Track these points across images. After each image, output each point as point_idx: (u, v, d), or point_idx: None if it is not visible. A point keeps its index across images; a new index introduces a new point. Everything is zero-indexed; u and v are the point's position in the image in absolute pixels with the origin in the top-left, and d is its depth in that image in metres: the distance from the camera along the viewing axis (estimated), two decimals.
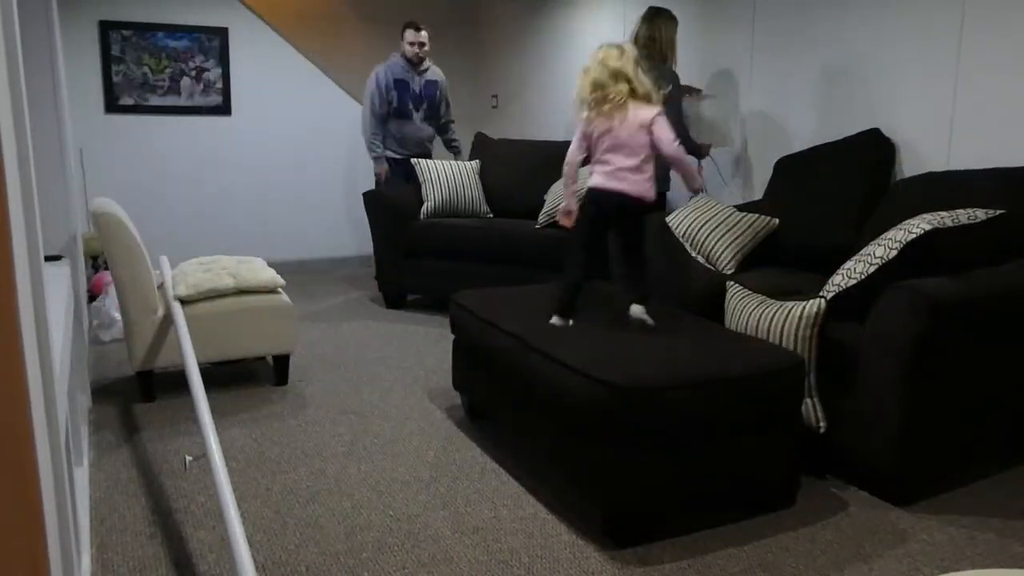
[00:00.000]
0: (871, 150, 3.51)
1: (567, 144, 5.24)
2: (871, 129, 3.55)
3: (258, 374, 3.82)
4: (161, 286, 3.51)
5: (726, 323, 2.98)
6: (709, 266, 3.45)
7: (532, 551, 2.27)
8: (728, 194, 4.46)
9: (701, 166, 4.19)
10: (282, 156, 6.32)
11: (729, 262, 3.51)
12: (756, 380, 2.33)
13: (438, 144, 5.72)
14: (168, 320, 3.37)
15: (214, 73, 6.14)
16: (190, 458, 2.51)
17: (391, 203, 5.02)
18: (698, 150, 4.14)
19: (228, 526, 1.98)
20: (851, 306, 2.64)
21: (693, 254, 3.47)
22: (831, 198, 3.49)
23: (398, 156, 5.40)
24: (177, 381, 3.68)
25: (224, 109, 6.21)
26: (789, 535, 2.34)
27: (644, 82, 2.79)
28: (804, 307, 2.64)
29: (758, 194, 4.14)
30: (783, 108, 4.07)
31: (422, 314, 5.00)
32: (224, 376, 3.77)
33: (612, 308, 2.98)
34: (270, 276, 3.61)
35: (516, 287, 3.44)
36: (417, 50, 5.27)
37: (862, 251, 2.71)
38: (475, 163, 5.45)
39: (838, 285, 2.68)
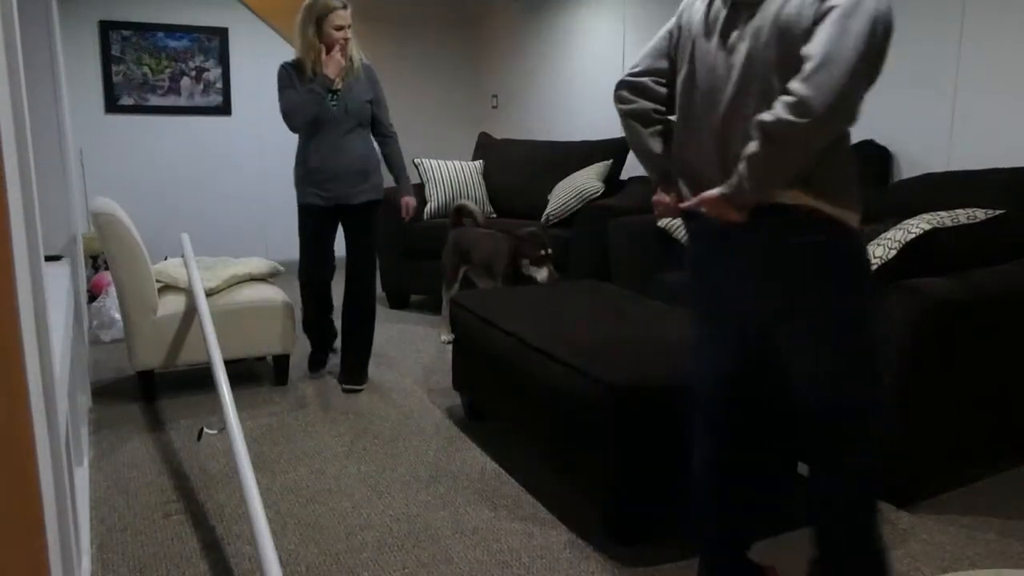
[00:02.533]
0: (865, 161, 3.51)
1: (570, 144, 5.26)
2: (865, 140, 3.54)
3: (258, 374, 3.83)
4: (164, 286, 3.51)
5: None
6: None
7: (532, 551, 2.27)
8: None
9: None
10: (282, 156, 6.32)
11: None
12: None
13: None
14: (170, 319, 3.37)
15: (214, 73, 6.14)
16: (212, 431, 2.54)
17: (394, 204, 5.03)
18: None
19: (245, 489, 2.13)
20: None
21: None
22: None
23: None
24: (177, 381, 3.68)
25: (224, 109, 6.22)
26: (789, 535, 2.34)
27: None
28: None
29: None
30: None
31: (424, 314, 5.00)
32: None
33: (611, 307, 2.98)
34: (270, 264, 3.81)
35: (518, 287, 3.44)
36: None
37: None
38: (478, 163, 5.45)
39: None
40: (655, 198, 1.90)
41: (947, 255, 2.62)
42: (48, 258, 2.88)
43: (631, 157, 4.84)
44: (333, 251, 3.59)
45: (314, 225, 3.51)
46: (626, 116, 1.84)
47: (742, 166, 1.56)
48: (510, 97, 6.45)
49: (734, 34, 1.63)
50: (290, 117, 3.35)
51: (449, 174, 5.20)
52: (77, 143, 5.64)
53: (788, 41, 1.52)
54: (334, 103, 3.36)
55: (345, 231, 3.57)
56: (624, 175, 4.87)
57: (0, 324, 1.10)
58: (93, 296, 4.62)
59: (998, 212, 2.68)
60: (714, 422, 1.90)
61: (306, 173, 3.46)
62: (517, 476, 2.74)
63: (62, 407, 1.68)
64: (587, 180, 4.66)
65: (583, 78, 5.55)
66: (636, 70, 1.84)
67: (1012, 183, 2.89)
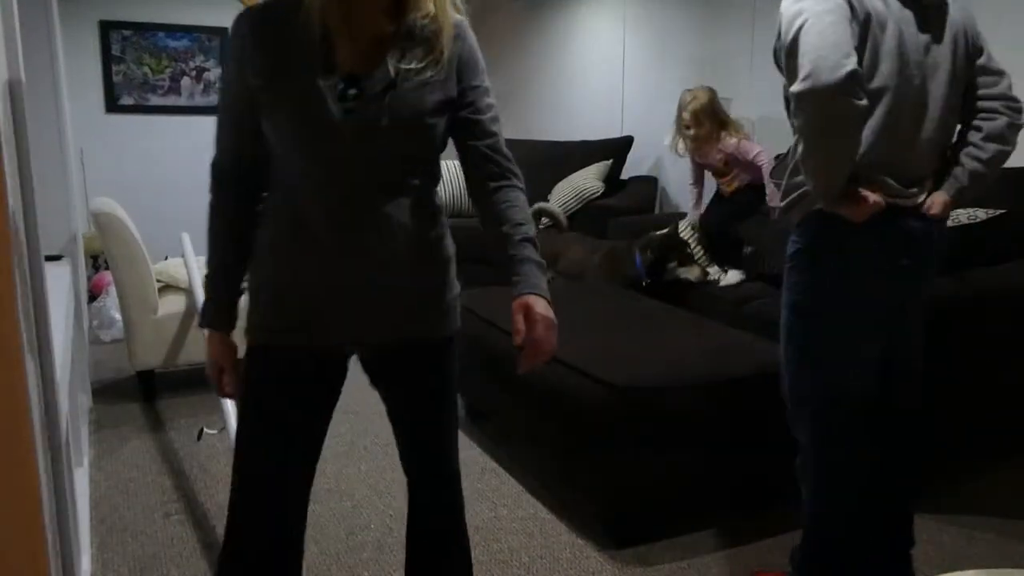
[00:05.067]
0: None
1: (570, 144, 5.26)
2: None
3: None
4: (164, 286, 3.50)
5: None
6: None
7: (532, 551, 2.27)
8: None
9: None
10: None
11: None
12: (756, 380, 2.33)
13: None
14: (170, 319, 3.37)
15: (214, 73, 6.14)
16: (212, 431, 2.54)
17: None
18: None
19: None
20: None
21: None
22: None
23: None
24: (177, 381, 3.68)
25: None
26: (789, 535, 2.34)
27: None
28: None
29: None
30: (783, 108, 4.07)
31: None
32: None
33: (612, 307, 2.98)
34: None
35: None
36: None
37: None
38: None
39: None
40: (870, 197, 1.69)
41: (947, 255, 2.62)
42: (48, 258, 2.88)
43: (631, 157, 4.84)
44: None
45: (283, 402, 1.42)
46: (859, 115, 1.61)
47: (966, 177, 1.80)
48: (510, 97, 6.45)
49: (929, 33, 1.73)
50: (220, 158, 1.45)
51: (449, 174, 5.20)
52: (77, 143, 5.64)
53: (973, 48, 1.79)
54: (348, 103, 1.32)
55: (393, 412, 1.55)
56: (624, 175, 4.87)
57: (0, 324, 1.10)
58: (93, 296, 4.62)
59: (998, 212, 2.68)
60: (865, 437, 1.88)
61: (270, 274, 1.41)
62: (517, 476, 2.74)
63: (62, 407, 1.68)
64: (587, 180, 4.65)
65: (583, 78, 5.55)
66: (856, 60, 1.59)
67: (1012, 183, 2.89)
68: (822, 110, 1.59)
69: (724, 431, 2.33)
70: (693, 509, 2.43)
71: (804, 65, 1.57)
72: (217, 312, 1.47)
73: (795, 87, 1.59)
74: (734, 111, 4.30)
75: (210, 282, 1.48)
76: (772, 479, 2.50)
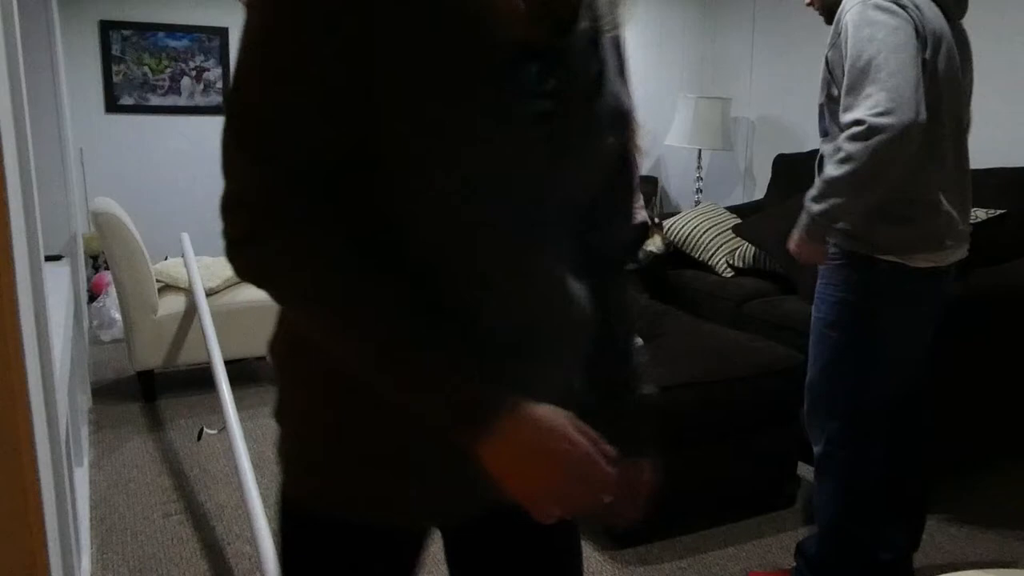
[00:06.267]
0: None
1: None
2: None
3: (258, 374, 3.82)
4: (164, 286, 3.50)
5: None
6: None
7: None
8: (731, 194, 4.47)
9: None
10: None
11: (727, 267, 3.51)
12: (756, 380, 2.33)
13: None
14: (170, 319, 3.37)
15: (214, 73, 6.14)
16: (212, 431, 2.54)
17: None
18: None
19: (245, 490, 2.11)
20: None
21: None
22: None
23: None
24: (177, 381, 3.68)
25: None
26: (789, 534, 2.34)
27: None
28: None
29: (760, 194, 4.14)
30: (783, 108, 4.07)
31: None
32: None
33: None
34: None
35: None
36: None
37: None
38: None
39: None
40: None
41: None
42: (48, 258, 2.88)
43: None
44: None
45: None
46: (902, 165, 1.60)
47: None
48: None
49: (961, 53, 1.74)
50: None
51: None
52: (77, 143, 5.64)
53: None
54: (543, 102, 0.73)
55: None
56: None
57: (0, 324, 1.10)
58: (93, 296, 4.62)
59: (998, 212, 2.68)
60: (885, 437, 1.90)
61: (369, 404, 0.78)
62: None
63: (62, 407, 1.68)
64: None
65: None
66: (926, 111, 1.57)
67: (1012, 183, 2.89)
68: (889, 145, 1.55)
69: (724, 431, 2.33)
70: (693, 509, 2.43)
71: (881, 99, 1.53)
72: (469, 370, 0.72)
73: (867, 115, 1.55)
74: (734, 111, 4.31)
75: (424, 336, 0.71)
76: (772, 479, 2.51)
